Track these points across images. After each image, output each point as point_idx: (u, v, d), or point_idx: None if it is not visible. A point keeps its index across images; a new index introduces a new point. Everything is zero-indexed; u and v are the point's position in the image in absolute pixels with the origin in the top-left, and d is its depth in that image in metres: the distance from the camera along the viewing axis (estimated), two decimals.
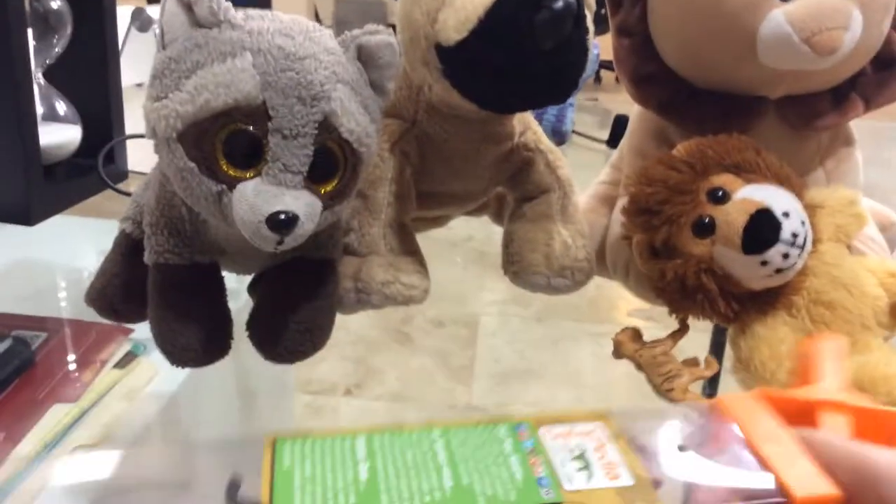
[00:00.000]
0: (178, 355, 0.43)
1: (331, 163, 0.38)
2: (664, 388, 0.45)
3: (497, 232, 0.55)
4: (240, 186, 0.36)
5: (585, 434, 0.30)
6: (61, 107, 0.88)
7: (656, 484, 0.28)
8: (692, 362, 0.46)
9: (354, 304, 0.47)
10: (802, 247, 0.43)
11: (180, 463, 0.31)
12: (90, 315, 0.50)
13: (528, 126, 0.52)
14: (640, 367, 0.47)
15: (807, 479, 0.27)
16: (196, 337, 0.42)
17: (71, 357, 0.60)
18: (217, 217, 0.38)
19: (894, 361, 0.42)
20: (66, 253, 0.76)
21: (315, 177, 0.37)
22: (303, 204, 0.37)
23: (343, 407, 0.75)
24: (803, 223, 0.43)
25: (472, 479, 0.28)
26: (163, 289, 0.43)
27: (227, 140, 0.36)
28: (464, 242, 1.55)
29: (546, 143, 0.52)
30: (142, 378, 0.58)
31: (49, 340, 0.60)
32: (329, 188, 0.39)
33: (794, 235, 0.42)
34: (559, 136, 1.34)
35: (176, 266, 0.43)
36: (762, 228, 0.42)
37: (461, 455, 0.29)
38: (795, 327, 0.45)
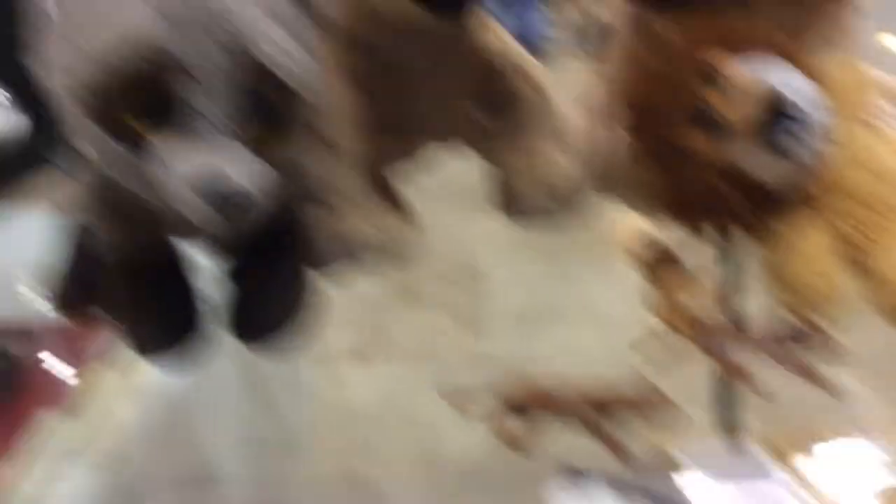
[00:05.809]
0: (141, 344, 0.39)
1: (262, 106, 0.32)
2: None
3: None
4: (159, 151, 0.31)
5: None
6: None
7: None
8: None
9: (344, 266, 0.43)
10: (813, 128, 0.37)
11: None
12: None
13: (489, 29, 0.45)
14: None
15: None
16: (155, 319, 0.38)
17: (57, 360, 0.57)
18: (146, 192, 0.32)
19: None
20: (34, 250, 0.71)
21: (248, 128, 0.32)
22: (242, 166, 0.31)
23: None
24: (813, 101, 0.38)
25: None
26: (112, 278, 0.39)
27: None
28: (450, 184, 1.48)
29: (515, 46, 0.47)
30: (136, 373, 0.54)
31: (32, 345, 0.57)
32: (269, 138, 0.33)
33: (804, 115, 0.37)
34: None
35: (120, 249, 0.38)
36: (773, 112, 0.37)
37: None
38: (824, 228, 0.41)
